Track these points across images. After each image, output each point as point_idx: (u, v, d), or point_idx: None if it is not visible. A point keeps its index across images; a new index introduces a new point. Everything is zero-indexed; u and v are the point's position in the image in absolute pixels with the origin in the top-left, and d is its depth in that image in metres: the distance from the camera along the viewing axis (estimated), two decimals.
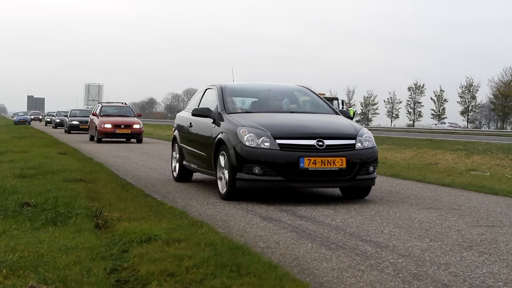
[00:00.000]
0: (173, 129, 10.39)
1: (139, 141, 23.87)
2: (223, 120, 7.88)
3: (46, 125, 57.77)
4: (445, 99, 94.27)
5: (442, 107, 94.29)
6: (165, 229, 5.11)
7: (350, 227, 5.78)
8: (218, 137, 7.70)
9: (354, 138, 7.39)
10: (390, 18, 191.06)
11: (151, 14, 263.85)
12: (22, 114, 72.78)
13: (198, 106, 9.29)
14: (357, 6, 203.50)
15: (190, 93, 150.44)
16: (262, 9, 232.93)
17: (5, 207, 5.95)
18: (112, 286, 3.66)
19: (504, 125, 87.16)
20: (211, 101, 8.80)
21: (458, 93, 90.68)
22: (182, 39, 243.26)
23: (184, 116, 9.87)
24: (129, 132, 23.59)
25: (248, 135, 7.19)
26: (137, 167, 12.13)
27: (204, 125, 8.52)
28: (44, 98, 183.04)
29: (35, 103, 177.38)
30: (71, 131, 34.30)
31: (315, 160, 6.96)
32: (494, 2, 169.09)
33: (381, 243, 5.06)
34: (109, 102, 27.58)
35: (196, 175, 10.14)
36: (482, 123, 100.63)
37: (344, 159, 7.08)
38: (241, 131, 7.28)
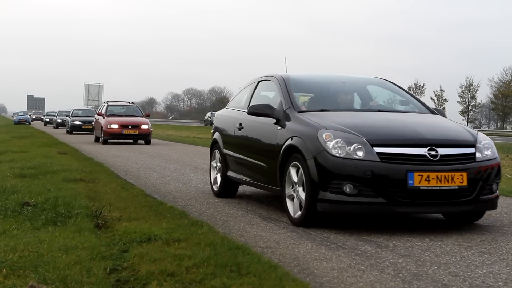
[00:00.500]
0: (212, 131, 8.67)
1: (148, 142, 22.47)
2: (291, 120, 6.23)
3: (45, 125, 55.72)
4: (445, 99, 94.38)
5: (442, 107, 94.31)
6: (165, 229, 5.11)
7: (350, 227, 5.78)
8: (288, 143, 5.99)
9: (473, 146, 5.72)
10: (390, 18, 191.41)
11: (152, 14, 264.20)
12: (22, 114, 72.75)
13: (250, 103, 7.47)
14: (358, 5, 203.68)
15: (190, 92, 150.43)
16: (263, 9, 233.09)
17: (5, 207, 5.94)
18: (112, 286, 3.66)
19: (504, 125, 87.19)
20: (269, 97, 7.28)
21: (458, 93, 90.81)
22: (183, 38, 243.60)
23: (229, 115, 8.11)
24: (137, 132, 22.26)
25: (335, 141, 5.48)
26: (137, 167, 12.13)
27: (262, 126, 6.79)
28: (44, 98, 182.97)
29: (35, 103, 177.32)
30: (73, 132, 32.73)
31: (428, 176, 5.29)
32: (494, 1, 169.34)
33: (381, 243, 5.06)
34: (116, 101, 26.08)
35: (243, 188, 8.43)
36: (482, 122, 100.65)
37: (465, 174, 5.43)
38: (324, 135, 5.57)
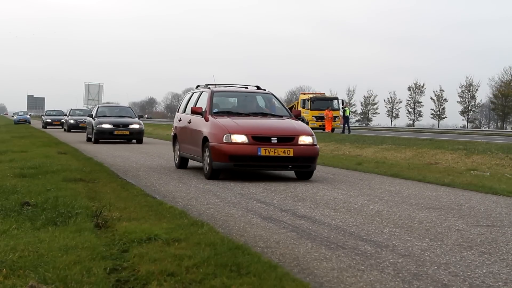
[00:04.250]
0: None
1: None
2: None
3: (45, 127, 44.63)
4: (445, 99, 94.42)
5: (442, 107, 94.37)
6: (165, 228, 5.11)
7: (350, 227, 5.78)
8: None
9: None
10: (395, 17, 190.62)
11: (154, 14, 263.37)
12: (22, 113, 72.75)
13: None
14: (364, 4, 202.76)
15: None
16: (267, 8, 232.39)
17: (5, 207, 5.94)
18: (112, 286, 3.66)
19: (504, 125, 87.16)
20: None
21: (458, 93, 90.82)
22: (186, 38, 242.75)
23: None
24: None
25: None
26: (137, 167, 12.13)
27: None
28: (44, 98, 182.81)
29: (35, 103, 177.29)
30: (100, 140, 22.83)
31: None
32: (494, 1, 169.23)
33: (381, 243, 5.06)
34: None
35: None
36: (482, 122, 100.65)
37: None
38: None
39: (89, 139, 23.47)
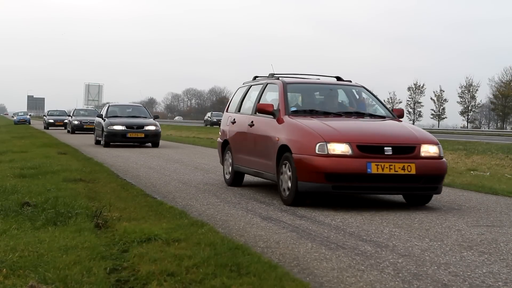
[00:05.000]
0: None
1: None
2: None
3: (47, 127, 41.96)
4: (445, 99, 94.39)
5: (442, 107, 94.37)
6: (165, 229, 5.11)
7: (350, 227, 5.78)
8: None
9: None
10: (397, 17, 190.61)
11: (154, 13, 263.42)
12: (22, 114, 72.78)
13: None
14: (365, 4, 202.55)
15: (190, 93, 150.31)
16: (268, 8, 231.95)
17: (5, 207, 5.94)
18: (112, 286, 3.66)
19: (504, 125, 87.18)
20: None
21: (458, 93, 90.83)
22: (186, 38, 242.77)
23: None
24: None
25: None
26: (137, 167, 12.13)
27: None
28: (44, 98, 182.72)
29: (35, 103, 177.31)
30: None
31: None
32: (494, 1, 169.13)
33: (381, 243, 5.06)
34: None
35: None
36: (482, 123, 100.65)
37: None
38: None
39: (98, 142, 21.00)
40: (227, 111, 10.02)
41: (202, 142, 23.60)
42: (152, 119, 21.08)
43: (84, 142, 22.82)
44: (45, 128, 41.78)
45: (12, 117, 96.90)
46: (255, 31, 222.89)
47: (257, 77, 9.69)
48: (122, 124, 19.83)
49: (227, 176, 9.31)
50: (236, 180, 9.14)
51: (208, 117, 66.10)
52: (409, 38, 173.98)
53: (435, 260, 4.50)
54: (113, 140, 19.78)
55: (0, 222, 5.32)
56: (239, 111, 9.42)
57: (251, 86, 9.45)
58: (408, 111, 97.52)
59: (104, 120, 20.20)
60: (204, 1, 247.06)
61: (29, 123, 59.72)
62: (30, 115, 78.49)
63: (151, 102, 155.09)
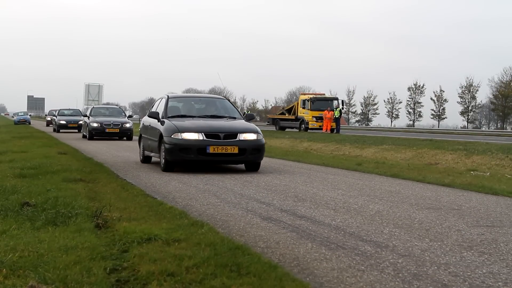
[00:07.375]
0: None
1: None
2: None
3: (58, 130, 36.24)
4: (445, 99, 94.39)
5: (442, 107, 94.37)
6: (165, 229, 5.11)
7: (350, 227, 5.78)
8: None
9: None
10: (400, 17, 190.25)
11: (155, 13, 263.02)
12: (22, 114, 72.83)
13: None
14: (369, 4, 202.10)
15: (190, 93, 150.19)
16: (272, 8, 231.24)
17: (5, 207, 5.95)
18: (112, 286, 3.66)
19: (504, 125, 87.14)
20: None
21: (458, 93, 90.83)
22: (187, 38, 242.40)
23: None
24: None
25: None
26: (137, 167, 12.13)
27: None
28: (44, 98, 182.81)
29: (35, 103, 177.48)
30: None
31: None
32: (494, 1, 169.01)
33: (381, 243, 5.06)
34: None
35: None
36: (482, 123, 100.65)
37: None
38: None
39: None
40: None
41: None
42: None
43: (128, 158, 14.70)
44: (54, 130, 37.20)
45: (12, 117, 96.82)
46: (257, 31, 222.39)
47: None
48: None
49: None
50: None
51: None
52: (412, 38, 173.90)
53: (435, 260, 4.50)
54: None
55: (0, 222, 5.32)
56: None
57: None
58: (408, 111, 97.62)
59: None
60: (206, 1, 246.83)
61: (29, 123, 59.74)
62: (30, 115, 78.58)
63: (151, 102, 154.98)
